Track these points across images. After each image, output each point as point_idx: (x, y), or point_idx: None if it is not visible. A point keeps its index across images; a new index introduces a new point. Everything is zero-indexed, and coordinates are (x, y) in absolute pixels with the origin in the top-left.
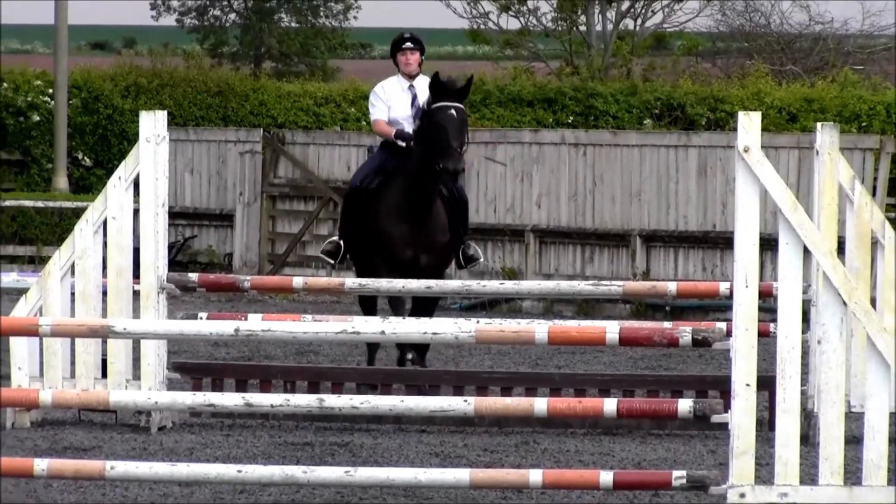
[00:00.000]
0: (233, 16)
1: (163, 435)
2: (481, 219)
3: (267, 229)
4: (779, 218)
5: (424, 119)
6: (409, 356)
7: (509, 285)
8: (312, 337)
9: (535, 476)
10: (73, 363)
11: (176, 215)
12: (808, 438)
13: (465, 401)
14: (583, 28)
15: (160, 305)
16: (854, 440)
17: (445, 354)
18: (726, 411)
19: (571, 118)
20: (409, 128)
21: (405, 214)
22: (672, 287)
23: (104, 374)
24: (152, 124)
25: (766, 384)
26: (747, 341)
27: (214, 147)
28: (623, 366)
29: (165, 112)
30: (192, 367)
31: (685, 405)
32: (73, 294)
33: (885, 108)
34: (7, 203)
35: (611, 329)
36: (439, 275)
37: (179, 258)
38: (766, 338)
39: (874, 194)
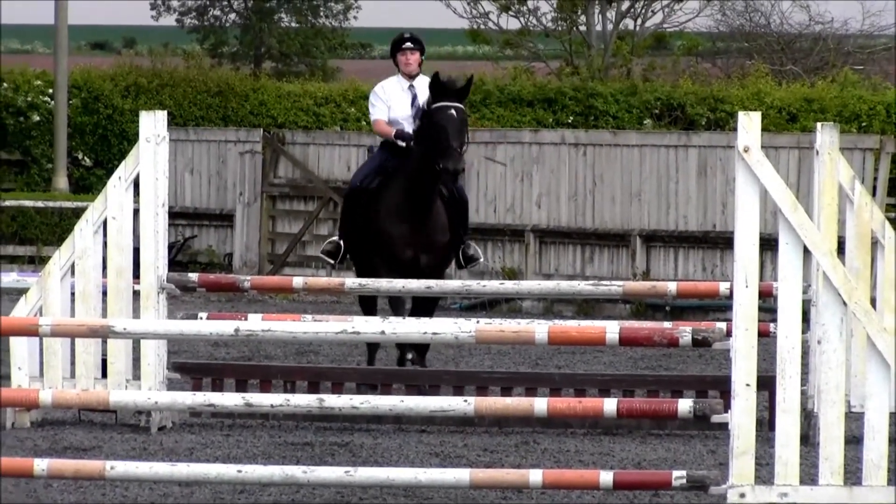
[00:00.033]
0: (233, 16)
1: (163, 435)
2: (481, 219)
3: (267, 229)
4: (779, 218)
5: (424, 119)
6: (410, 356)
7: (509, 285)
8: (312, 337)
9: (535, 476)
10: (73, 363)
11: (176, 215)
12: (808, 438)
13: (465, 401)
14: (583, 28)
15: (160, 305)
16: (854, 440)
17: (445, 354)
18: (726, 411)
19: (571, 118)
20: (409, 128)
21: (405, 214)
22: (672, 287)
23: (104, 374)
24: (152, 124)
25: (766, 384)
26: (747, 341)
27: (214, 147)
28: (623, 366)
29: (165, 112)
30: (192, 367)
31: (685, 405)
32: (73, 294)
33: (885, 108)
34: (7, 203)
35: (611, 329)
36: (439, 275)
37: (179, 258)
38: (766, 338)
39: (874, 194)
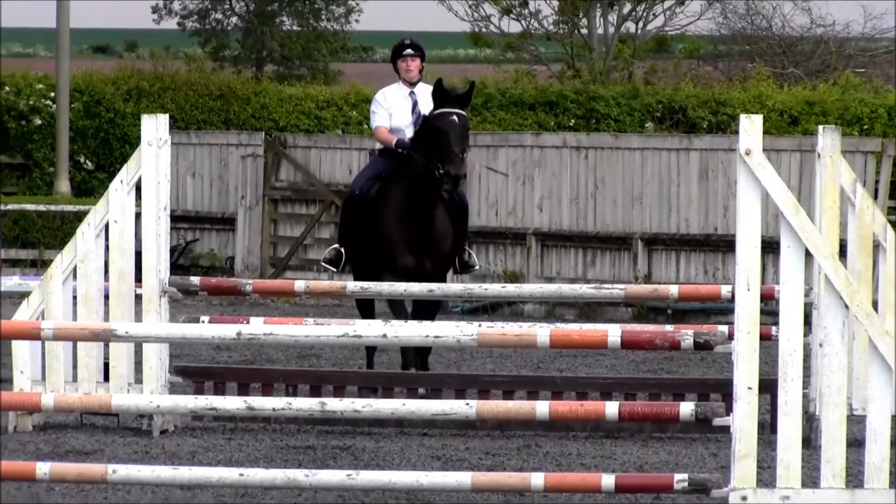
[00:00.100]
0: (234, 19)
1: (165, 438)
2: (483, 222)
3: (269, 233)
4: (780, 221)
5: (425, 125)
6: (412, 371)
7: (511, 288)
8: (314, 340)
9: (537, 479)
10: (75, 367)
11: (178, 219)
12: (810, 441)
13: (467, 404)
14: (584, 31)
15: (162, 309)
16: (856, 443)
17: (447, 358)
18: (728, 414)
19: (573, 121)
20: (410, 135)
21: (408, 222)
22: (674, 290)
23: (106, 378)
24: (154, 128)
25: (768, 387)
26: (749, 344)
27: (216, 150)
28: (625, 369)
29: (167, 115)
30: (194, 370)
31: (687, 408)
32: (74, 298)
33: (887, 111)
34: (9, 207)
35: (612, 332)
36: (441, 280)
37: (181, 262)
38: (767, 341)
39: (876, 197)
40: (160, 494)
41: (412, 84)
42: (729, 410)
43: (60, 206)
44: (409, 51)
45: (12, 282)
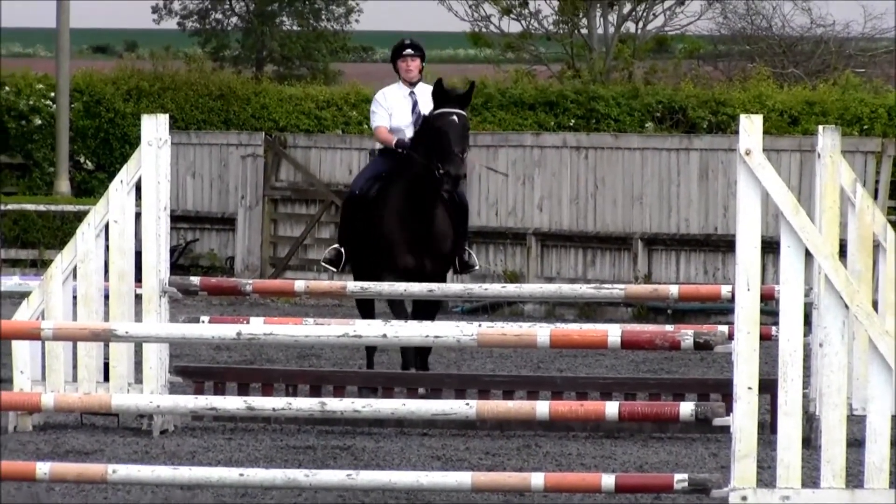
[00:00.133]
0: (234, 19)
1: (165, 438)
2: (483, 222)
3: (269, 233)
4: (780, 221)
5: (425, 124)
6: (412, 371)
7: (511, 289)
8: (314, 340)
9: (537, 479)
10: (75, 367)
11: (178, 219)
12: (810, 441)
13: (467, 404)
14: (584, 31)
15: (162, 309)
16: (856, 443)
17: (447, 358)
18: (728, 414)
19: (573, 121)
20: (410, 135)
21: (409, 222)
22: (674, 290)
23: (106, 378)
24: (154, 128)
25: (768, 387)
26: (749, 344)
27: (216, 150)
28: (625, 369)
29: (167, 115)
30: (194, 370)
31: (687, 408)
32: (75, 298)
33: (887, 111)
34: (9, 207)
35: (612, 332)
36: (442, 280)
37: (181, 262)
38: (767, 341)
39: (876, 197)
40: (160, 494)
41: (412, 84)
42: (729, 410)
43: (60, 206)
44: (408, 51)
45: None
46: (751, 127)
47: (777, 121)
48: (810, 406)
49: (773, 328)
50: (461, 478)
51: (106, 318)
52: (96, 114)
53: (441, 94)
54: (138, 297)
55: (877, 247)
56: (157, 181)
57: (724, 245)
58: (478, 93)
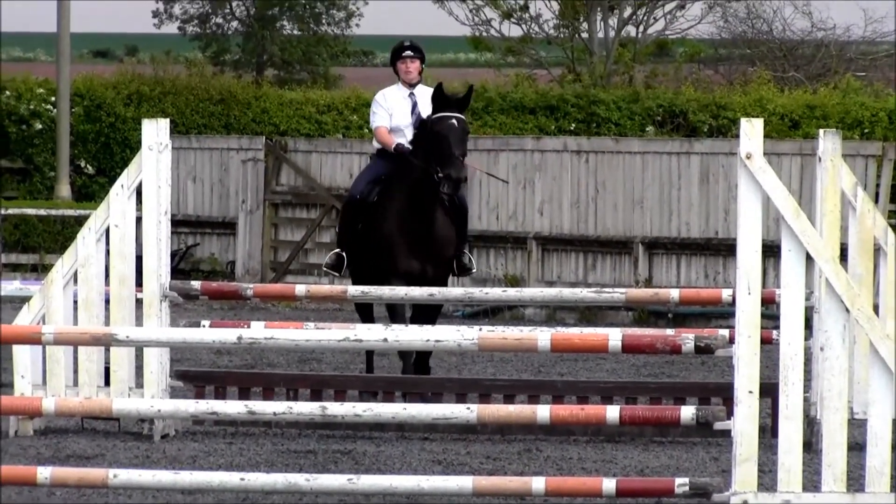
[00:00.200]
0: (235, 23)
1: (166, 443)
2: (484, 226)
3: (269, 237)
4: (781, 225)
5: (424, 129)
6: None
7: (512, 293)
8: (315, 345)
9: (538, 483)
10: (75, 371)
11: (178, 223)
12: (811, 445)
13: (468, 408)
14: (585, 35)
15: (163, 313)
16: (857, 447)
17: (448, 362)
18: (729, 418)
19: (574, 125)
20: (410, 136)
21: (411, 228)
22: (675, 294)
23: (107, 383)
24: (154, 132)
25: (769, 391)
26: (750, 348)
27: (217, 155)
28: (626, 373)
29: (168, 120)
30: (194, 375)
31: (688, 412)
32: (75, 302)
33: (888, 114)
34: (10, 211)
35: (613, 336)
36: (443, 284)
37: (182, 266)
38: (768, 345)
39: (877, 201)
40: (161, 499)
41: (411, 85)
42: (730, 414)
43: (61, 210)
44: (408, 52)
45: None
46: (752, 131)
47: (778, 124)
48: (811, 410)
49: (774, 332)
50: (462, 482)
51: (107, 323)
52: (97, 118)
53: (440, 99)
54: (139, 302)
55: (877, 250)
56: (157, 185)
57: (724, 249)
58: (478, 97)
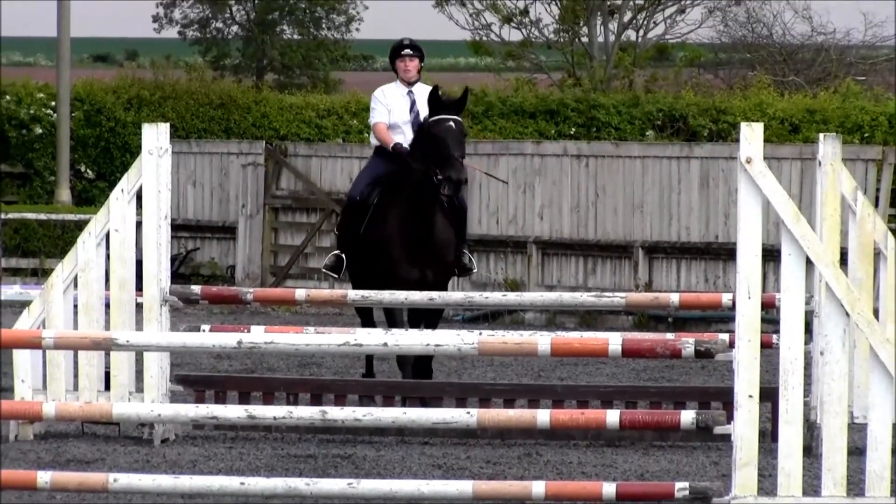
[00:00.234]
0: (235, 28)
1: (166, 447)
2: (484, 230)
3: (269, 241)
4: (781, 229)
5: (422, 133)
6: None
7: (512, 297)
8: (315, 349)
9: (538, 488)
10: (76, 375)
11: (178, 227)
12: (811, 449)
13: (468, 413)
14: (585, 39)
15: (163, 318)
16: (857, 451)
17: (448, 366)
18: (729, 422)
19: (574, 129)
20: (408, 133)
21: (411, 233)
22: (675, 298)
23: (107, 387)
24: (155, 136)
25: (769, 395)
26: (750, 352)
27: (217, 159)
28: (626, 377)
29: (168, 124)
30: (194, 379)
31: (688, 416)
32: (76, 306)
33: (888, 118)
34: (10, 216)
35: (613, 340)
36: (443, 289)
37: (182, 270)
38: (768, 349)
39: (876, 205)
40: (161, 503)
41: (410, 84)
42: (730, 418)
43: (61, 215)
44: (407, 51)
45: (13, 291)
46: (752, 135)
47: (778, 129)
48: (811, 414)
49: (774, 336)
50: (462, 486)
51: (107, 327)
52: (97, 123)
53: (436, 102)
54: (139, 306)
55: (878, 255)
56: (157, 190)
57: (724, 253)
58: (478, 101)
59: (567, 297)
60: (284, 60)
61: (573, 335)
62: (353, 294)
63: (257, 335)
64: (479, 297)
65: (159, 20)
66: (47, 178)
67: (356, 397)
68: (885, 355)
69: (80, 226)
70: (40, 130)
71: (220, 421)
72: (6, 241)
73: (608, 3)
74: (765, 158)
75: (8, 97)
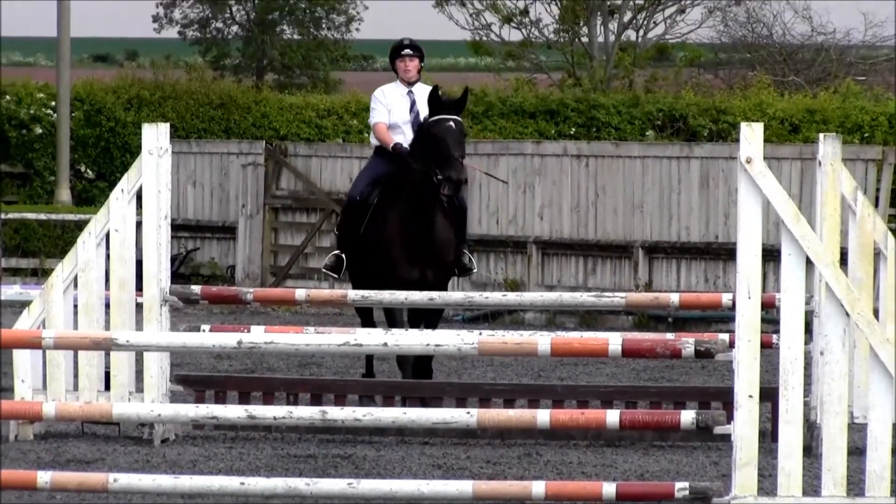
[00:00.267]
0: (235, 28)
1: (166, 447)
2: (484, 230)
3: (269, 241)
4: (781, 229)
5: (423, 133)
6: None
7: (512, 297)
8: (315, 349)
9: (538, 488)
10: (76, 376)
11: (178, 227)
12: (811, 449)
13: (468, 413)
14: (585, 39)
15: (163, 318)
16: (857, 451)
17: (448, 366)
18: (729, 422)
19: (574, 129)
20: (408, 133)
21: (411, 233)
22: (675, 298)
23: (107, 387)
24: (155, 136)
25: (769, 395)
26: (750, 352)
27: (217, 159)
28: (626, 377)
29: (168, 124)
30: (194, 379)
31: (688, 416)
32: (76, 306)
33: (888, 118)
34: (10, 216)
35: (613, 340)
36: (443, 289)
37: (182, 270)
38: (768, 349)
39: (877, 205)
40: (161, 503)
41: (410, 83)
42: (730, 418)
43: (61, 215)
44: (407, 51)
45: (13, 291)
46: (751, 135)
47: (778, 129)
48: (811, 414)
49: (774, 336)
50: (462, 486)
51: (107, 327)
52: (97, 123)
53: (436, 102)
54: (139, 306)
55: (878, 255)
56: (157, 190)
57: (724, 253)
58: (478, 101)
59: (567, 297)
60: (284, 60)
61: (573, 335)
62: (353, 294)
63: (257, 335)
64: (479, 297)
65: (159, 20)
66: (47, 178)
67: (356, 397)
68: (885, 355)
69: (80, 226)
70: (40, 130)
71: (220, 421)
72: (6, 241)
73: (608, 3)
74: (765, 158)
75: (8, 97)
